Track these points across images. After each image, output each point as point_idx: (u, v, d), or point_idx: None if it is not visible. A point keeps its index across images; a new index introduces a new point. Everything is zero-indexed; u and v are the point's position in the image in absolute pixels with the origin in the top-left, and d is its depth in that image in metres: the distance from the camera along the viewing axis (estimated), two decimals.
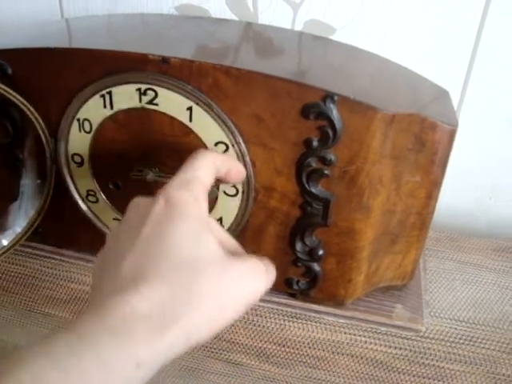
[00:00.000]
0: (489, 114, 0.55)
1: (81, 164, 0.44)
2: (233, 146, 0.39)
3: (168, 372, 0.47)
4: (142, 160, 0.42)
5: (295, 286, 0.44)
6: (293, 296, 0.45)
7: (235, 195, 0.41)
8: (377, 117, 0.35)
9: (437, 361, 0.43)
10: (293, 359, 0.45)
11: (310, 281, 0.44)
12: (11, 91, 0.40)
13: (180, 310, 0.27)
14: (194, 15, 0.56)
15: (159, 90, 0.38)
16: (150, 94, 0.39)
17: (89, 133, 0.42)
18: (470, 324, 0.45)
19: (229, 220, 0.42)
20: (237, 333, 0.45)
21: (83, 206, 0.46)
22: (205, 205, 0.32)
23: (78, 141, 0.43)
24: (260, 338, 0.45)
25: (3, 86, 0.40)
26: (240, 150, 0.39)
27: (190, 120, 0.39)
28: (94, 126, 0.41)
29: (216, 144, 0.39)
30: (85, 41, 0.45)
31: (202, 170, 0.33)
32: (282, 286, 0.45)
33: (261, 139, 0.38)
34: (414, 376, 0.43)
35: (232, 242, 0.33)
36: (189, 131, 0.39)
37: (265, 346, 0.45)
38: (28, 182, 0.45)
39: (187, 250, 0.29)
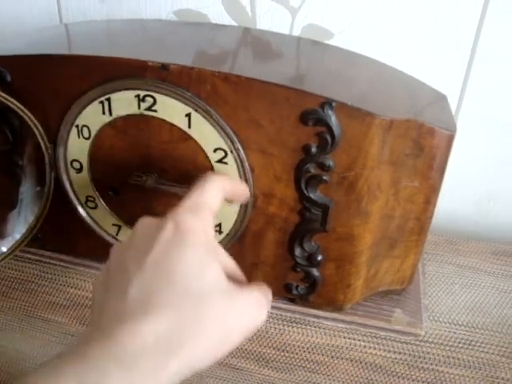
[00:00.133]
0: (487, 119, 0.56)
1: (80, 170, 0.44)
2: (231, 152, 0.39)
3: None
4: (141, 166, 0.42)
5: (294, 291, 0.44)
6: (292, 301, 0.46)
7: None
8: (375, 123, 0.36)
9: (436, 365, 0.43)
10: (292, 364, 0.45)
11: (309, 286, 0.44)
12: (10, 98, 0.40)
13: (185, 340, 0.27)
14: (192, 20, 0.56)
15: (158, 96, 0.38)
16: (149, 100, 0.39)
17: (88, 139, 0.42)
18: (469, 328, 0.45)
19: (228, 226, 0.42)
20: None
21: (82, 212, 0.46)
22: (212, 232, 0.32)
23: (77, 147, 0.43)
24: (259, 342, 0.45)
25: (2, 94, 0.40)
26: (239, 156, 0.39)
27: (189, 126, 0.39)
28: (93, 133, 0.41)
29: (215, 150, 0.39)
30: (84, 47, 0.46)
31: (212, 195, 0.34)
32: (282, 291, 0.45)
33: (259, 145, 0.38)
34: (413, 380, 0.43)
35: (235, 268, 0.34)
36: (187, 137, 0.39)
37: (264, 350, 0.45)
38: (27, 189, 0.45)
39: (194, 279, 0.29)
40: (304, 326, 0.45)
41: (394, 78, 0.46)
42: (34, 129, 0.42)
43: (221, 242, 0.43)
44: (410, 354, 0.44)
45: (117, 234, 0.46)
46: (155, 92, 0.38)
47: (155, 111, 0.39)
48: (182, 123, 0.39)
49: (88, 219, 0.46)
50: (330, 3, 0.52)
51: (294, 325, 0.45)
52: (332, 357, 0.44)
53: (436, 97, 0.44)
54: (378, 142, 0.36)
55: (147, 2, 0.56)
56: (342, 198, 0.39)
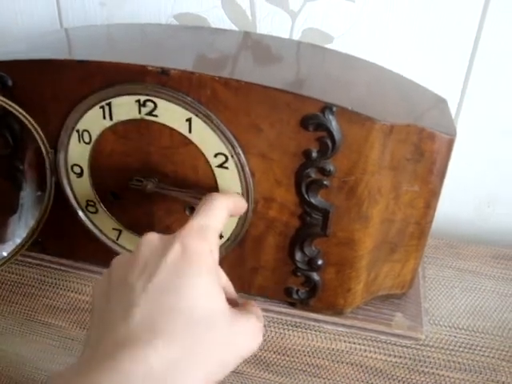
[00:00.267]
0: (487, 122, 0.56)
1: (80, 175, 0.44)
2: (232, 156, 0.39)
3: None
4: (142, 171, 0.42)
5: (295, 295, 0.44)
6: (292, 305, 0.46)
7: None
8: (375, 127, 0.36)
9: (436, 369, 0.43)
10: (293, 368, 0.45)
11: (309, 290, 0.44)
12: (11, 103, 0.40)
13: (189, 369, 0.27)
14: (192, 24, 0.56)
15: (158, 101, 0.38)
16: (150, 105, 0.39)
17: (88, 144, 0.42)
18: (470, 332, 0.45)
19: (228, 230, 0.42)
20: None
21: (83, 217, 0.46)
22: (217, 254, 0.32)
23: (78, 152, 0.43)
24: (260, 346, 0.45)
25: (3, 98, 0.40)
26: (239, 161, 0.39)
27: (190, 131, 0.39)
28: (94, 137, 0.41)
29: (216, 155, 0.39)
30: (84, 51, 0.46)
31: (218, 215, 0.34)
32: (282, 296, 0.45)
33: (260, 150, 0.38)
34: None
35: (232, 290, 0.34)
36: (188, 142, 0.39)
37: (265, 354, 0.45)
38: (28, 194, 0.45)
39: (200, 306, 0.29)
40: (304, 330, 0.45)
41: (394, 81, 0.46)
42: (35, 133, 0.42)
43: (221, 247, 0.43)
44: (410, 358, 0.44)
45: (117, 239, 0.46)
46: (156, 97, 0.38)
47: (156, 116, 0.39)
48: (182, 128, 0.39)
49: (88, 224, 0.46)
50: (329, 7, 0.52)
51: (295, 329, 0.45)
52: (332, 361, 0.44)
53: (436, 101, 0.44)
54: (378, 146, 0.36)
55: (147, 6, 0.56)
56: (342, 203, 0.39)
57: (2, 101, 0.40)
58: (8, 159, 0.45)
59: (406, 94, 0.44)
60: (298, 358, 0.44)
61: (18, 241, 0.45)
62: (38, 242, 0.47)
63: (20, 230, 0.45)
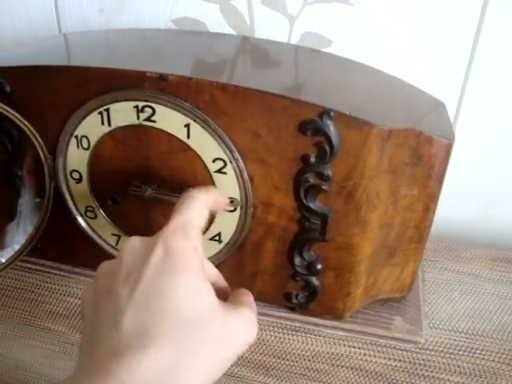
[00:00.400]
0: (485, 126, 0.56)
1: (79, 180, 0.44)
2: (230, 162, 0.39)
3: None
4: (141, 176, 0.42)
5: (294, 300, 0.44)
6: (292, 309, 0.46)
7: (233, 211, 0.41)
8: (373, 132, 0.36)
9: (436, 372, 0.43)
10: (292, 372, 0.45)
11: (308, 294, 0.44)
12: (9, 109, 0.40)
13: (184, 371, 0.27)
14: (191, 29, 0.56)
15: (157, 107, 0.38)
16: (148, 111, 0.39)
17: (87, 149, 0.42)
18: (469, 335, 0.45)
19: (227, 235, 0.42)
20: None
21: (82, 222, 0.46)
22: (201, 250, 0.32)
23: (76, 157, 0.43)
24: (260, 351, 0.45)
25: (1, 104, 0.40)
26: (238, 166, 0.39)
27: (188, 137, 0.39)
28: (92, 143, 0.42)
29: (214, 160, 0.39)
30: (82, 57, 0.46)
31: (198, 212, 0.34)
32: (281, 300, 0.45)
33: (258, 155, 0.38)
34: None
35: (222, 281, 0.34)
36: (186, 148, 0.39)
37: (264, 358, 0.45)
38: (26, 200, 0.45)
39: (188, 307, 0.28)
40: (304, 335, 0.45)
41: (392, 85, 0.46)
42: (33, 139, 0.42)
43: (220, 252, 0.43)
44: (410, 362, 0.43)
45: (116, 244, 0.46)
46: (154, 103, 0.38)
47: (154, 122, 0.39)
48: (180, 133, 0.39)
49: (88, 229, 0.46)
50: (328, 11, 0.52)
51: (294, 333, 0.45)
52: (332, 365, 0.44)
53: (434, 104, 0.44)
54: (376, 151, 0.36)
55: (146, 11, 0.56)
56: (340, 208, 0.39)
57: (0, 107, 0.40)
58: (6, 165, 0.45)
59: (404, 98, 0.44)
60: (297, 362, 0.44)
61: (17, 247, 0.45)
62: (37, 248, 0.47)
63: (19, 236, 0.45)
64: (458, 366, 0.43)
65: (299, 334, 0.45)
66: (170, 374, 0.26)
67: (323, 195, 0.39)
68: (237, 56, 0.48)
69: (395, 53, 0.53)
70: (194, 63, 0.44)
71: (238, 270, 0.44)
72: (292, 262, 0.42)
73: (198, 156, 0.39)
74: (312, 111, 0.36)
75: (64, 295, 0.49)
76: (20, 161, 0.44)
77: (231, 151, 0.38)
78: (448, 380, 0.43)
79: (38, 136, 0.42)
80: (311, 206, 0.39)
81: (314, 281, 0.43)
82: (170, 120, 0.39)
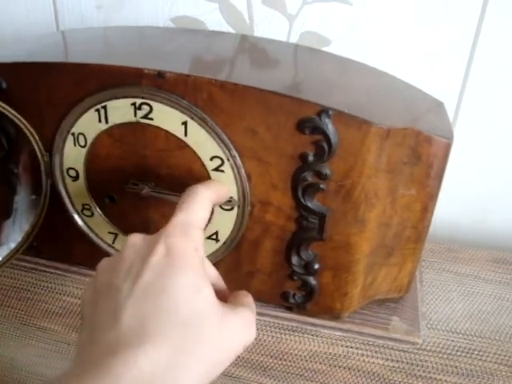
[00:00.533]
0: (485, 126, 0.56)
1: (76, 178, 0.44)
2: (228, 160, 0.39)
3: None
4: (138, 174, 0.42)
5: (291, 300, 0.44)
6: (289, 309, 0.45)
7: (231, 209, 0.41)
8: (371, 131, 0.35)
9: (434, 373, 0.43)
10: (289, 372, 0.44)
11: (306, 294, 0.44)
12: (6, 106, 0.40)
13: (181, 369, 0.27)
14: (190, 27, 0.56)
15: (154, 104, 0.38)
16: (145, 108, 0.38)
17: (84, 147, 0.42)
18: (467, 336, 0.45)
19: (225, 234, 0.42)
20: None
21: (78, 220, 0.46)
22: (202, 249, 0.32)
23: (73, 155, 0.42)
24: (257, 351, 0.45)
25: None
26: (235, 164, 0.39)
27: (186, 134, 0.39)
28: (89, 141, 0.41)
29: (211, 158, 0.39)
30: (80, 54, 0.46)
31: (201, 210, 0.33)
32: (279, 300, 0.45)
33: (256, 153, 0.38)
34: None
35: (221, 283, 0.34)
36: (184, 145, 0.39)
37: (262, 359, 0.45)
38: (22, 197, 0.45)
39: (188, 305, 0.28)
40: (301, 335, 0.45)
41: (391, 85, 0.46)
42: (30, 137, 0.41)
43: (217, 251, 0.43)
44: (407, 362, 0.43)
45: (113, 243, 0.46)
46: (151, 100, 0.38)
47: (151, 119, 0.39)
48: (178, 131, 0.39)
49: (84, 227, 0.46)
50: (327, 10, 0.52)
51: (291, 333, 0.45)
52: (329, 365, 0.44)
53: (433, 104, 0.44)
54: (375, 150, 0.36)
55: (144, 9, 0.56)
56: (338, 207, 0.39)
57: None
58: (2, 162, 0.44)
59: (403, 97, 0.44)
60: (294, 362, 0.44)
61: (13, 245, 0.44)
62: (33, 246, 0.47)
63: (14, 234, 0.45)
64: (456, 367, 0.43)
65: (296, 334, 0.45)
66: (167, 372, 0.26)
67: (321, 194, 0.39)
68: (235, 54, 0.48)
69: (394, 52, 0.53)
70: (192, 61, 0.43)
71: (235, 269, 0.44)
72: (289, 262, 0.42)
73: (196, 154, 0.39)
74: (310, 109, 0.36)
75: (60, 294, 0.48)
76: (16, 158, 0.44)
77: (229, 149, 0.38)
78: (445, 381, 0.43)
79: (34, 133, 0.42)
80: (309, 204, 0.39)
81: (312, 280, 0.43)
82: (167, 117, 0.38)
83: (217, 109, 0.37)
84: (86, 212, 0.45)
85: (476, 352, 0.44)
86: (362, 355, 0.44)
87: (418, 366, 0.43)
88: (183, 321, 0.28)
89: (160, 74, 0.37)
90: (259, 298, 0.45)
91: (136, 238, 0.32)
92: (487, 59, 0.52)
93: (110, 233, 0.46)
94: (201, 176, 0.40)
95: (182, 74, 0.37)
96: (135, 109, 0.39)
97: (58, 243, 0.48)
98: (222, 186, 0.39)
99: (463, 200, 0.60)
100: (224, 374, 0.45)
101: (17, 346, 0.48)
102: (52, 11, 0.58)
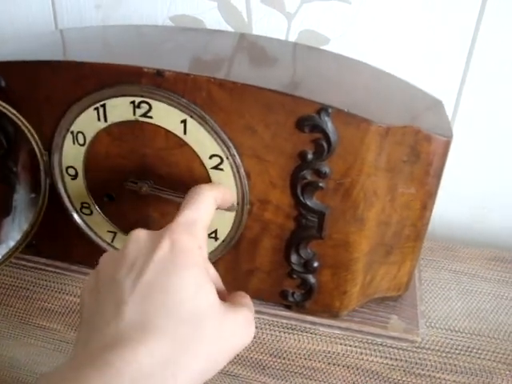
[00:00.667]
0: (483, 124, 0.56)
1: (75, 177, 0.44)
2: (227, 158, 0.39)
3: None
4: (137, 173, 0.42)
5: (290, 298, 0.44)
6: (288, 308, 0.45)
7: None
8: (371, 129, 0.35)
9: (432, 371, 0.43)
10: (288, 370, 0.44)
11: (305, 292, 0.44)
12: (5, 104, 0.40)
13: (180, 366, 0.27)
14: (188, 26, 0.56)
15: (153, 102, 0.38)
16: (144, 106, 0.38)
17: (83, 145, 0.42)
18: (466, 334, 0.45)
19: (224, 232, 0.42)
20: None
21: (77, 219, 0.46)
22: (206, 248, 0.32)
23: (72, 153, 0.42)
24: (256, 349, 0.45)
25: None
26: (235, 163, 0.39)
27: (185, 133, 0.39)
28: (88, 139, 0.41)
29: (211, 157, 0.39)
30: (79, 53, 0.45)
31: (206, 209, 0.34)
32: (278, 298, 0.45)
33: (255, 151, 0.38)
34: None
35: (220, 284, 0.34)
36: (183, 144, 0.39)
37: (260, 357, 0.45)
38: (21, 196, 0.45)
39: (190, 302, 0.29)
40: (300, 333, 0.45)
41: (390, 83, 0.46)
42: (29, 135, 0.41)
43: (216, 249, 0.43)
44: (406, 361, 0.43)
45: (112, 241, 0.46)
46: (150, 98, 0.38)
47: (151, 117, 0.39)
48: (177, 130, 0.39)
49: (83, 226, 0.46)
50: (325, 8, 0.52)
51: (290, 331, 0.45)
52: (328, 363, 0.44)
53: (432, 102, 0.44)
54: (374, 148, 0.36)
55: (143, 7, 0.56)
56: (338, 205, 0.39)
57: None
58: (1, 161, 0.44)
59: (402, 96, 0.44)
60: (293, 360, 0.44)
61: (12, 243, 0.44)
62: (33, 245, 0.47)
63: (13, 232, 0.45)
64: (455, 365, 0.43)
65: (295, 332, 0.45)
66: (166, 368, 0.26)
67: (320, 192, 0.39)
68: (234, 53, 0.48)
69: (393, 51, 0.53)
70: (191, 59, 0.43)
71: (234, 267, 0.44)
72: (288, 260, 0.42)
73: (195, 152, 0.39)
74: (310, 108, 0.36)
75: (59, 293, 0.48)
76: (15, 156, 0.44)
77: (228, 147, 0.38)
78: (444, 379, 0.43)
79: (33, 132, 0.42)
80: (308, 203, 0.39)
81: (311, 279, 0.43)
82: (166, 116, 0.38)
83: (216, 107, 0.37)
84: (85, 210, 0.45)
85: (475, 350, 0.44)
86: (361, 353, 0.44)
87: (416, 364, 0.43)
88: (185, 318, 0.28)
89: (159, 73, 0.37)
90: (258, 297, 0.45)
91: (140, 233, 0.32)
92: (486, 57, 0.52)
93: (109, 231, 0.46)
94: (200, 174, 0.40)
95: (181, 73, 0.37)
96: (134, 107, 0.39)
97: (57, 242, 0.48)
98: (228, 189, 0.39)
99: (462, 198, 0.60)
100: (223, 372, 0.45)
101: (16, 345, 0.48)
102: (51, 10, 0.58)
